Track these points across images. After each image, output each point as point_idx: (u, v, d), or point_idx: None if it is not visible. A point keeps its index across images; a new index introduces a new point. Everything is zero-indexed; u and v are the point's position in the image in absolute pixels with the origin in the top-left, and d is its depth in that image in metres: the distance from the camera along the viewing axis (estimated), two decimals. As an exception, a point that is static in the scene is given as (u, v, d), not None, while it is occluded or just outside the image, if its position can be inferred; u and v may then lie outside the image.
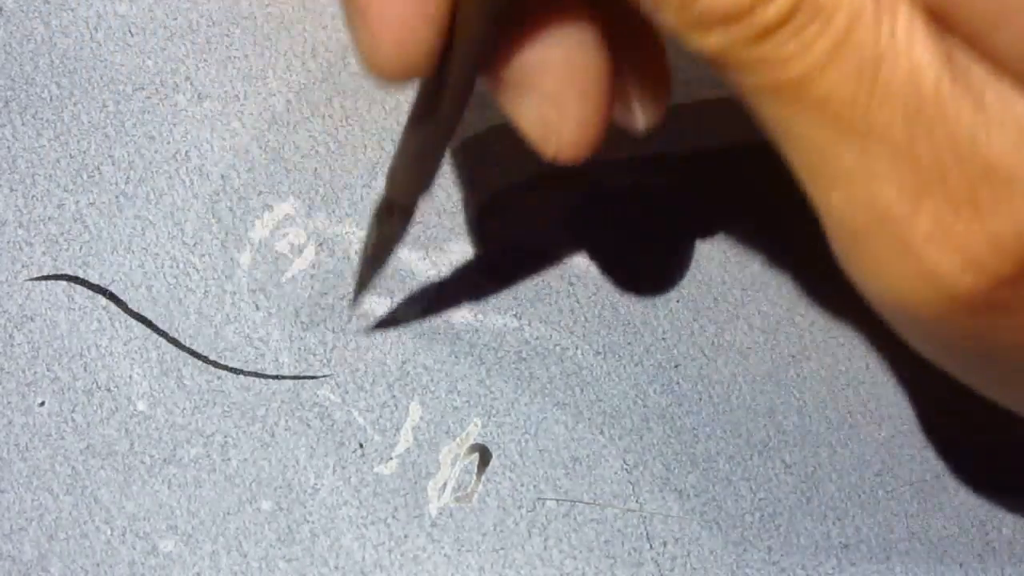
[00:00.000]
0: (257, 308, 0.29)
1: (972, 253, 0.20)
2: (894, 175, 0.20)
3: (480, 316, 0.30)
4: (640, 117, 0.25)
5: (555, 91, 0.23)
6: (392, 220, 0.26)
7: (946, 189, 0.20)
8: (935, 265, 0.20)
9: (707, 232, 0.30)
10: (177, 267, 0.29)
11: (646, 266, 0.30)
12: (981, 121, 0.20)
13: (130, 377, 0.29)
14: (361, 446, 0.29)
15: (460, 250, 0.30)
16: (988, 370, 0.23)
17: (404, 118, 0.31)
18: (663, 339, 0.30)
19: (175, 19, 0.30)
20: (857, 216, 0.21)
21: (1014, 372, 0.23)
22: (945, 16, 0.20)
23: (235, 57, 0.30)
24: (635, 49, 0.25)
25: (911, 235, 0.20)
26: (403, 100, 0.30)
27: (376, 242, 0.26)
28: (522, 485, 0.29)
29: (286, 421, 0.29)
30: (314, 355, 0.29)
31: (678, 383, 0.30)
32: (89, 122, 0.30)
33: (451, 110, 0.23)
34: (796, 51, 0.20)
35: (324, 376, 0.29)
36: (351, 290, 0.30)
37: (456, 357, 0.29)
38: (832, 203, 0.21)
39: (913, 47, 0.20)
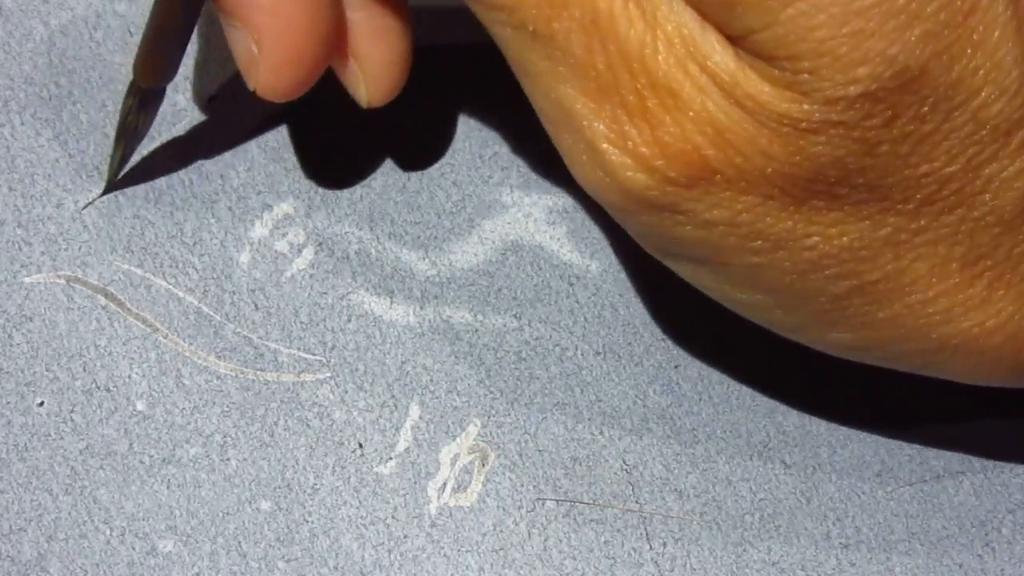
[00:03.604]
0: (257, 308, 0.29)
1: (644, 156, 0.22)
2: (574, 80, 0.22)
3: (480, 316, 0.30)
4: (362, 87, 0.27)
5: (258, 25, 0.25)
6: (138, 103, 0.28)
7: (620, 97, 0.22)
8: (612, 163, 0.22)
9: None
10: (177, 267, 0.29)
11: (646, 266, 0.30)
12: (650, 38, 0.22)
13: (129, 377, 0.29)
14: (361, 446, 0.29)
15: (460, 250, 0.30)
16: (685, 266, 0.25)
17: (403, 119, 0.31)
18: (663, 339, 0.30)
19: (175, 19, 0.30)
20: (551, 114, 0.23)
21: (702, 266, 0.25)
22: None
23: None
24: (369, 8, 0.26)
25: (591, 134, 0.22)
26: (402, 99, 0.30)
27: (125, 127, 0.28)
28: (522, 485, 0.29)
29: (285, 421, 0.29)
30: (314, 355, 0.29)
31: (678, 383, 0.30)
32: (89, 122, 0.30)
33: (179, 6, 0.26)
34: None
35: (324, 376, 0.29)
36: (350, 289, 0.30)
37: (456, 357, 0.29)
38: (534, 100, 0.23)
39: None
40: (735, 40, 0.21)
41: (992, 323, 0.23)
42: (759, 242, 0.23)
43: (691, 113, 0.22)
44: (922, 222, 0.22)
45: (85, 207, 0.29)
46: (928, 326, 0.24)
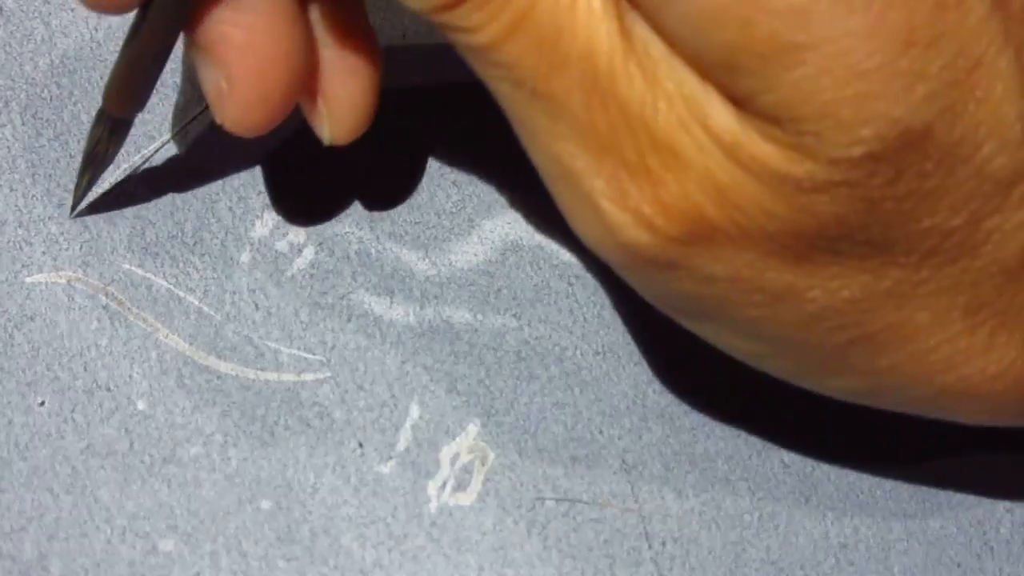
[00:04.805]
0: (257, 308, 0.29)
1: (644, 214, 0.22)
2: (574, 137, 0.22)
3: (480, 316, 0.30)
4: (326, 125, 0.27)
5: (230, 63, 0.25)
6: (107, 132, 0.28)
7: (621, 155, 0.22)
8: (613, 221, 0.22)
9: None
10: (177, 267, 0.29)
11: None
12: (651, 97, 0.21)
13: (130, 377, 0.29)
14: (361, 445, 0.29)
15: (460, 250, 0.30)
16: (687, 318, 0.25)
17: (403, 121, 0.31)
18: (663, 339, 0.30)
19: (175, 19, 0.30)
20: (550, 169, 0.23)
21: (704, 319, 0.25)
22: None
23: (235, 57, 0.30)
24: (340, 49, 0.26)
25: (592, 192, 0.22)
26: (401, 101, 0.30)
27: (94, 155, 0.28)
28: (522, 485, 0.29)
29: (286, 421, 0.29)
30: (314, 355, 0.29)
31: (678, 383, 0.30)
32: (89, 122, 0.30)
33: (153, 40, 0.25)
34: (482, 21, 0.21)
35: (324, 376, 0.29)
36: (350, 289, 0.30)
37: (456, 357, 0.29)
38: (533, 156, 0.23)
39: (591, 22, 0.21)
40: (737, 101, 0.21)
41: (994, 369, 0.23)
42: (760, 296, 0.23)
43: (692, 172, 0.21)
44: (924, 274, 0.22)
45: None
46: (930, 373, 0.23)
